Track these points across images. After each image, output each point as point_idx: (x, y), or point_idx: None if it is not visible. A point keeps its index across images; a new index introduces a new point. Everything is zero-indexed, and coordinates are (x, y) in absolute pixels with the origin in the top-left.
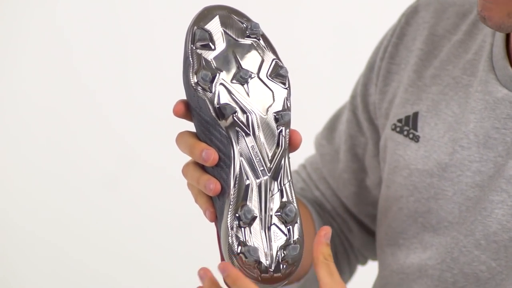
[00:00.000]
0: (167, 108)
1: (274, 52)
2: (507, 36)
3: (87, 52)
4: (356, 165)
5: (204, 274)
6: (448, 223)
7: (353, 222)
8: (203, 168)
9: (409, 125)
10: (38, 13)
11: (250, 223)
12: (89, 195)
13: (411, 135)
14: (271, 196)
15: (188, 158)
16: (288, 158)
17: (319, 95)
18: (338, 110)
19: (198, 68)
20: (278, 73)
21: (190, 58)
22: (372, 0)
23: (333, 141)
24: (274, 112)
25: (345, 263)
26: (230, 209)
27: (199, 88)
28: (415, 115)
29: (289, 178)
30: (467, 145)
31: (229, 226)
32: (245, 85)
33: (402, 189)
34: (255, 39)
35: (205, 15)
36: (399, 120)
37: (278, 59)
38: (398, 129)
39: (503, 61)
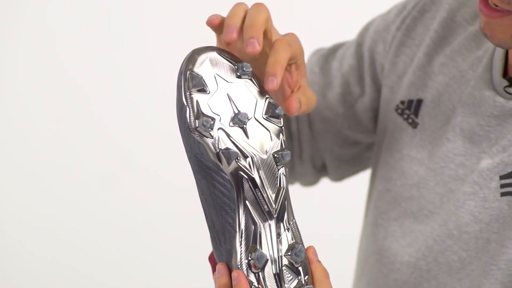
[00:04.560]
0: (165, 109)
1: (266, 90)
2: None
3: (84, 52)
4: (341, 110)
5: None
6: (428, 212)
7: (307, 157)
8: (204, 210)
9: (410, 109)
10: (30, 13)
11: (262, 267)
12: (87, 196)
13: (410, 120)
14: (279, 238)
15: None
16: (288, 196)
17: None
18: (342, 43)
19: (196, 114)
20: (273, 112)
21: (186, 104)
22: (373, 0)
23: (326, 74)
24: (274, 152)
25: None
26: (240, 254)
27: (198, 134)
28: (419, 101)
29: (293, 217)
30: (452, 138)
31: (239, 270)
32: (244, 128)
33: (392, 171)
34: (246, 79)
35: (195, 58)
36: (402, 102)
37: (270, 97)
38: (399, 110)
39: (499, 63)
